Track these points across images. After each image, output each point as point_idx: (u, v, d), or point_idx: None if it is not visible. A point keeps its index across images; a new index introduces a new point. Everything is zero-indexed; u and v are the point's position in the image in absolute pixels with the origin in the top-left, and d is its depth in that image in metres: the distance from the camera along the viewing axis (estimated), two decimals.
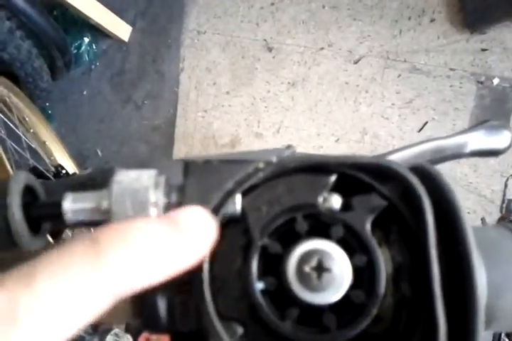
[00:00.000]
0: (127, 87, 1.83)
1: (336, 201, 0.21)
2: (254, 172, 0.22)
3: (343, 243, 0.21)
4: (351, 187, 0.22)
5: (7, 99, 1.35)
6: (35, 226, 0.23)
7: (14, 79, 1.45)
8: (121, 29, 1.80)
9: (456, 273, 0.20)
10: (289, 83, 1.77)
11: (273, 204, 0.21)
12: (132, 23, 1.83)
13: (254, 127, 1.78)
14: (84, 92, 1.83)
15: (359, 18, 1.76)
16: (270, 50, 1.79)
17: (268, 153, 0.24)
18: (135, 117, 1.80)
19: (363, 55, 1.74)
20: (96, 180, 0.23)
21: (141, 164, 1.79)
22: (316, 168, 0.22)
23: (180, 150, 1.79)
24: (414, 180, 0.21)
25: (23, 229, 0.22)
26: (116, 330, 0.63)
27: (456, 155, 0.38)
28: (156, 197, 0.21)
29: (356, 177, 0.22)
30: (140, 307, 0.21)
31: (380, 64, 1.74)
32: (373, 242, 0.20)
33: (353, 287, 0.20)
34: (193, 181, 0.21)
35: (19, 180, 0.22)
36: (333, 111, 1.72)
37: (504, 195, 1.04)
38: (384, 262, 0.21)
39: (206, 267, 0.20)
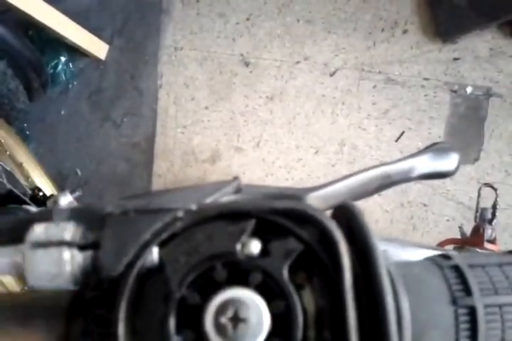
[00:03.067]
0: (105, 105, 1.82)
1: (254, 247, 0.21)
2: (173, 222, 0.22)
3: (263, 288, 0.21)
4: (272, 230, 0.22)
5: None
6: None
7: None
8: (98, 47, 1.80)
9: (373, 316, 0.20)
10: (267, 97, 1.78)
11: (191, 254, 0.21)
12: (109, 41, 1.83)
13: (234, 141, 1.78)
14: (62, 112, 1.82)
15: (333, 31, 1.78)
16: (247, 64, 1.80)
17: (204, 192, 0.24)
18: (114, 135, 1.79)
19: (338, 67, 1.76)
20: (16, 232, 0.23)
21: (122, 182, 1.78)
22: (235, 213, 0.22)
23: (161, 167, 1.79)
24: (331, 225, 0.21)
25: None
26: None
27: (404, 179, 0.38)
28: (70, 251, 0.21)
29: (275, 221, 0.22)
30: None
31: (356, 76, 1.75)
32: (290, 288, 0.20)
33: (272, 334, 0.20)
34: (109, 234, 0.21)
35: None
36: (311, 123, 1.73)
37: (478, 204, 1.05)
38: (306, 306, 0.21)
39: (121, 328, 0.20)
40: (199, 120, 1.80)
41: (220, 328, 0.20)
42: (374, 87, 1.74)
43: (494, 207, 1.06)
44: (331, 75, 1.77)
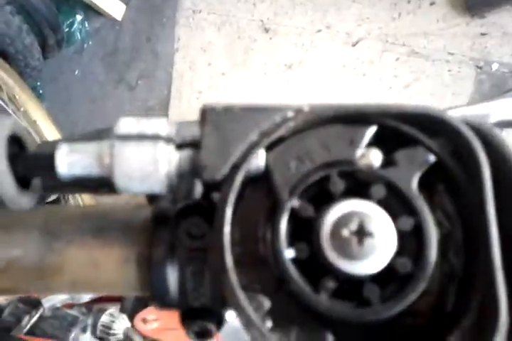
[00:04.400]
0: (120, 67, 1.78)
1: (375, 156, 0.18)
2: (283, 122, 0.19)
3: (383, 205, 0.18)
4: (391, 141, 0.19)
5: None
6: (23, 181, 0.20)
7: (4, 56, 1.40)
8: (114, 7, 1.74)
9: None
10: (285, 65, 1.73)
11: (303, 160, 0.18)
12: (126, 1, 1.78)
13: None
14: (76, 72, 1.78)
15: (358, 1, 1.73)
16: (267, 31, 1.75)
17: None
18: (128, 98, 1.75)
19: (361, 37, 1.71)
20: (97, 134, 0.20)
21: None
22: (353, 118, 0.19)
23: None
24: (469, 133, 0.18)
25: (7, 182, 0.19)
26: (111, 310, 0.60)
27: None
28: (167, 151, 0.18)
29: (399, 129, 0.19)
30: (147, 278, 0.18)
31: (379, 47, 1.70)
32: (421, 202, 0.18)
33: (396, 255, 0.18)
34: (211, 131, 0.18)
35: (4, 126, 0.19)
36: (329, 93, 1.69)
37: None
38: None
39: (227, 230, 0.17)
40: (215, 86, 1.75)
41: (340, 242, 0.17)
42: (397, 59, 1.69)
43: None
44: (353, 45, 1.72)
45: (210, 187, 0.19)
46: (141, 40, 1.79)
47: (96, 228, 0.20)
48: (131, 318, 0.60)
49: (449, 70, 1.68)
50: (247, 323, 0.17)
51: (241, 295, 0.17)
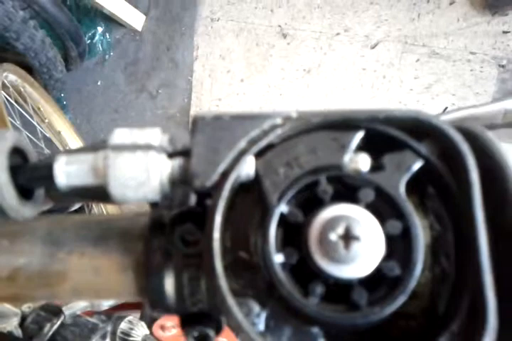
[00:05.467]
0: (141, 77, 1.81)
1: (363, 161, 0.18)
2: (271, 130, 0.19)
3: (372, 209, 0.18)
4: (380, 145, 0.19)
5: (22, 89, 1.35)
6: (25, 192, 0.21)
7: (28, 69, 1.44)
8: (134, 18, 1.78)
9: (504, 244, 0.17)
10: (304, 70, 1.73)
11: (292, 166, 0.19)
12: (145, 12, 1.81)
13: None
14: (99, 82, 1.81)
15: (376, 2, 1.72)
16: (285, 36, 1.76)
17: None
18: (149, 107, 1.78)
19: (380, 39, 1.70)
20: (94, 146, 0.20)
21: None
22: (340, 124, 0.19)
23: None
24: (457, 137, 0.18)
25: (9, 193, 0.19)
26: (130, 318, 0.62)
27: (491, 125, 0.35)
28: (159, 160, 0.19)
29: (387, 133, 0.19)
30: (145, 285, 0.19)
31: (398, 48, 1.69)
32: (409, 206, 0.18)
33: (385, 259, 0.18)
34: (200, 140, 0.19)
35: (5, 139, 0.20)
36: (349, 97, 1.69)
37: None
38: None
39: (217, 237, 0.18)
40: (234, 93, 1.77)
41: (328, 247, 0.17)
42: (417, 60, 1.68)
43: None
44: (372, 48, 1.71)
45: (203, 194, 0.19)
46: (161, 49, 1.82)
47: (97, 236, 0.21)
48: (149, 325, 0.61)
49: (471, 70, 1.65)
50: (237, 328, 0.17)
51: (230, 301, 0.17)
